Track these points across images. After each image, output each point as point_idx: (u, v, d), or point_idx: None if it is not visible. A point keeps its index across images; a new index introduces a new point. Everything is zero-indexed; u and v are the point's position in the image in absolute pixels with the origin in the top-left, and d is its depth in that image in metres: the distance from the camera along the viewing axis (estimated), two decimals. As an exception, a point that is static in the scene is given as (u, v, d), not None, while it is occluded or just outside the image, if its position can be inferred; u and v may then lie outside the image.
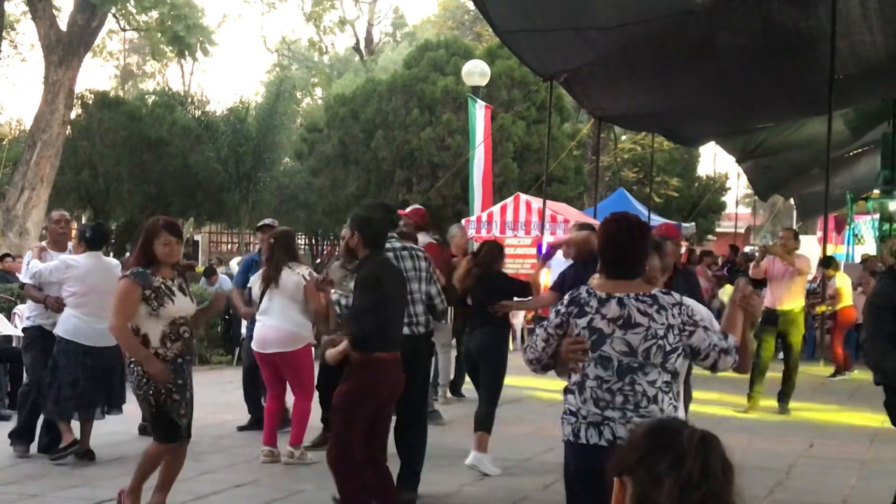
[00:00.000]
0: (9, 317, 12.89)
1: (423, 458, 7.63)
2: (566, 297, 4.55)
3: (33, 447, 8.93)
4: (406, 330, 7.10)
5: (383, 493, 6.40)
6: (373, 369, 6.24)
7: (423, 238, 10.60)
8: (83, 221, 31.51)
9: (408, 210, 11.01)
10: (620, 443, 2.18)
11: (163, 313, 6.59)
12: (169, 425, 6.61)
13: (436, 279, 7.63)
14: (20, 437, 9.04)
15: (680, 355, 4.34)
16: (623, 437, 4.33)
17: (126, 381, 8.50)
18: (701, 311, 4.54)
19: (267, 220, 10.83)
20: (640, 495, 2.08)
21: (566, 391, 4.50)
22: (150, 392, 6.54)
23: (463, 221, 20.85)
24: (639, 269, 4.48)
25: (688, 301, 4.43)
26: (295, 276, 8.77)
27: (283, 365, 8.87)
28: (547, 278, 16.56)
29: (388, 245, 6.97)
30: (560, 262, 16.53)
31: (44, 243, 9.86)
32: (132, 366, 6.60)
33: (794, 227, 30.51)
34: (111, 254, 19.46)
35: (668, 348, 4.30)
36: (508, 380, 11.25)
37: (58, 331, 8.77)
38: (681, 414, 4.44)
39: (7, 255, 18.25)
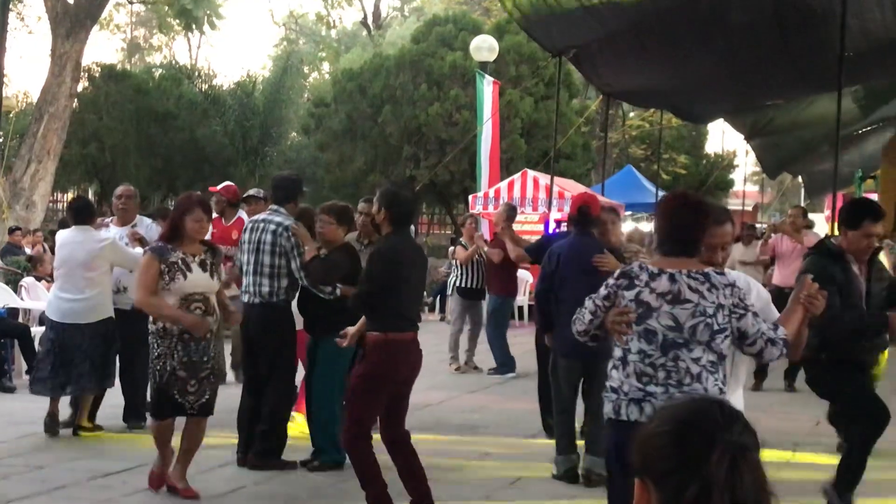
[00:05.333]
0: (15, 289, 12.90)
1: (270, 430, 7.71)
2: (618, 270, 4.60)
3: (32, 420, 8.87)
4: (244, 298, 7.70)
5: (409, 470, 6.34)
6: (390, 350, 6.17)
7: (243, 214, 10.91)
8: (90, 194, 31.56)
9: (219, 187, 11.33)
10: (645, 430, 1.95)
11: (173, 288, 6.65)
12: (163, 402, 6.72)
13: (294, 255, 7.65)
14: (129, 414, 9.06)
15: (727, 336, 4.31)
16: None
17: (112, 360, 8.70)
18: (761, 294, 4.51)
19: (252, 191, 10.82)
20: None
21: (611, 367, 4.52)
22: (158, 368, 6.69)
23: (470, 197, 20.83)
24: (695, 248, 4.44)
25: (742, 283, 4.41)
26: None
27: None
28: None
29: (257, 217, 7.90)
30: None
31: (108, 219, 9.86)
32: (150, 339, 6.75)
33: (802, 204, 30.42)
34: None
35: (715, 327, 4.29)
36: (518, 357, 11.24)
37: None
38: (734, 399, 4.37)
39: (16, 228, 18.26)
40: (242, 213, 11.08)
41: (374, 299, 6.19)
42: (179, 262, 6.71)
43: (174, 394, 6.68)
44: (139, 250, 8.62)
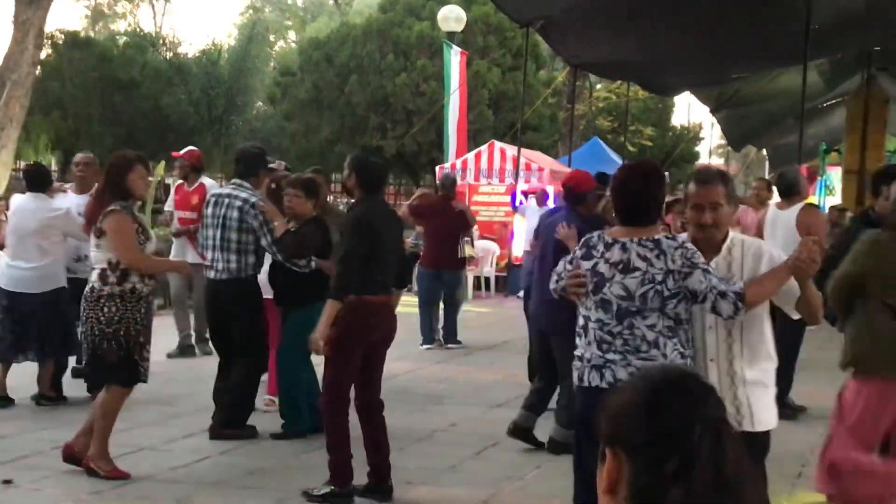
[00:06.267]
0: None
1: (236, 400, 7.72)
2: (582, 239, 4.70)
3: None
4: (210, 274, 7.76)
5: (375, 441, 6.33)
6: (362, 313, 6.15)
7: (205, 180, 10.88)
8: (53, 163, 31.27)
9: (182, 152, 11.23)
10: (617, 400, 1.90)
11: (147, 248, 6.59)
12: (133, 367, 6.55)
13: (264, 232, 7.60)
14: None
15: (682, 300, 4.33)
16: (623, 380, 4.37)
17: (75, 329, 8.24)
18: (773, 260, 4.40)
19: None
20: (639, 491, 1.83)
21: (577, 335, 4.63)
22: (122, 332, 6.48)
23: (437, 168, 20.80)
24: (650, 216, 4.50)
25: (690, 244, 4.40)
26: None
27: None
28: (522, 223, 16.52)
29: (218, 190, 7.85)
30: (534, 210, 16.54)
31: (68, 185, 9.74)
32: (101, 302, 6.49)
33: (767, 177, 30.61)
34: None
35: (665, 293, 4.33)
36: (484, 329, 11.30)
37: None
38: (761, 374, 4.41)
39: (-23, 195, 18.05)
40: (205, 179, 11.01)
41: (354, 264, 6.16)
42: (143, 222, 6.67)
43: (137, 360, 6.59)
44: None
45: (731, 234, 4.51)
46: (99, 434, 6.54)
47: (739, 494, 1.81)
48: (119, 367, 6.55)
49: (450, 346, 12.52)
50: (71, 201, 8.88)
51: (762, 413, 4.43)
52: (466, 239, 13.39)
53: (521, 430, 7.66)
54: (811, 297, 4.37)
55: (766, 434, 4.50)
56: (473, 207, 13.85)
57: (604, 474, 1.87)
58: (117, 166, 6.66)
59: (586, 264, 4.53)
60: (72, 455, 6.62)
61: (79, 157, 9.42)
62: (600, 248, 4.50)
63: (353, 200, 6.49)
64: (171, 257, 10.60)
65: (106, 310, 6.48)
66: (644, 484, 1.81)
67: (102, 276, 6.55)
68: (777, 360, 4.58)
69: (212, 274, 7.81)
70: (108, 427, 6.57)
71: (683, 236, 4.52)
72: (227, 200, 7.74)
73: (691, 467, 1.78)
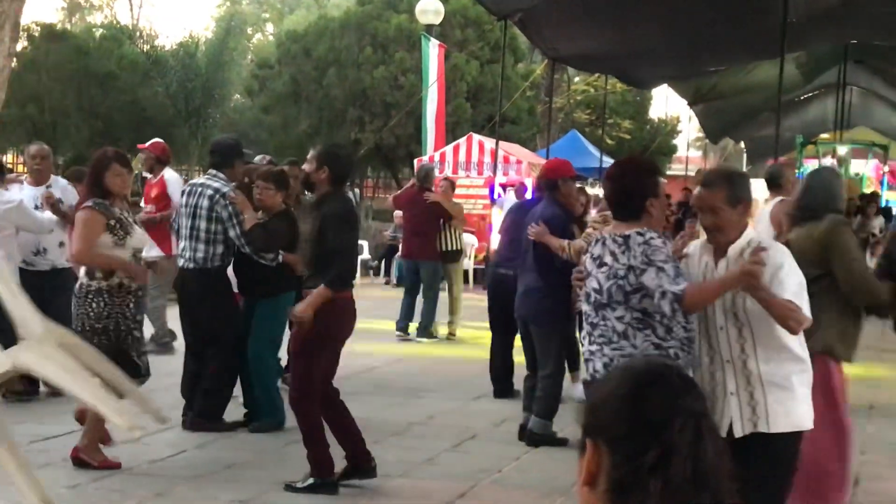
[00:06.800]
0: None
1: (212, 392, 7.72)
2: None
3: None
4: (180, 262, 7.74)
5: (342, 425, 6.36)
6: (339, 309, 6.21)
7: (167, 173, 10.74)
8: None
9: (147, 144, 11.18)
10: (599, 392, 1.91)
11: (128, 243, 6.60)
12: (129, 363, 6.50)
13: (233, 223, 7.60)
14: None
15: (645, 296, 4.34)
16: (600, 371, 4.40)
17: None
18: (794, 272, 4.29)
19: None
20: (618, 482, 1.82)
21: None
22: (111, 327, 6.52)
23: (416, 161, 20.79)
24: (626, 210, 4.50)
25: (658, 242, 4.38)
26: None
27: None
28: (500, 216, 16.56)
29: (194, 180, 7.84)
30: (512, 203, 16.52)
31: (23, 177, 9.63)
32: (89, 298, 6.53)
33: (744, 170, 30.72)
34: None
35: (627, 288, 4.37)
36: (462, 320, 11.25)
37: None
38: (784, 369, 4.30)
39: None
40: (168, 172, 10.87)
41: (331, 258, 6.18)
42: (124, 218, 6.65)
43: (133, 355, 6.59)
44: (48, 214, 8.49)
45: (751, 235, 4.40)
46: (91, 427, 6.60)
47: (717, 490, 1.81)
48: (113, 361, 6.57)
49: (419, 339, 12.38)
50: (27, 194, 8.81)
51: (780, 415, 4.27)
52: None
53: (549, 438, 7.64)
54: (773, 308, 4.17)
55: (787, 437, 4.31)
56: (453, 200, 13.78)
57: (583, 466, 1.87)
58: (96, 165, 6.75)
59: (585, 257, 4.73)
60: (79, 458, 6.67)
61: (34, 149, 9.29)
62: (596, 243, 4.63)
63: (322, 193, 6.45)
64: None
65: (94, 305, 6.53)
66: (622, 476, 1.81)
67: (89, 272, 6.62)
68: (809, 361, 4.41)
69: (181, 262, 7.86)
70: (100, 422, 6.56)
71: (779, 248, 4.39)
72: (199, 190, 7.77)
73: (670, 460, 1.78)
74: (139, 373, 6.65)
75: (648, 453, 1.78)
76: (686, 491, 1.77)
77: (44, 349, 3.99)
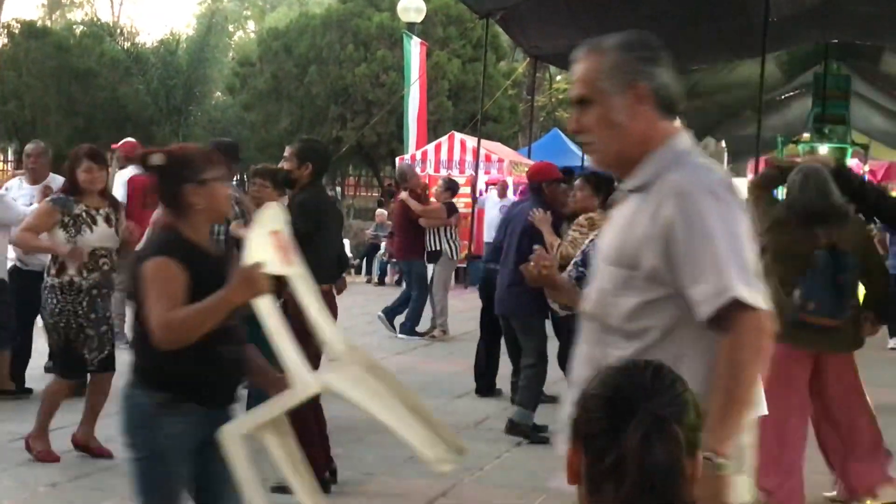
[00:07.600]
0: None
1: None
2: None
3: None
4: None
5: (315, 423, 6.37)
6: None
7: (133, 171, 10.43)
8: (9, 153, 30.94)
9: (119, 143, 11.32)
10: (583, 392, 1.90)
11: (80, 241, 6.59)
12: (72, 360, 6.61)
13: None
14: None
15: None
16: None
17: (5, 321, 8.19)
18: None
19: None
20: (589, 481, 1.83)
21: None
22: (62, 324, 6.56)
23: (397, 159, 20.77)
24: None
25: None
26: None
27: None
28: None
29: None
30: (494, 202, 16.54)
31: (21, 174, 9.57)
32: (46, 293, 6.61)
33: (725, 169, 30.88)
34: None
35: (580, 277, 4.48)
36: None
37: None
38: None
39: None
40: (136, 170, 10.76)
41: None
42: (84, 214, 6.64)
43: (84, 352, 6.60)
44: (32, 207, 8.44)
45: None
46: (41, 416, 6.68)
47: (668, 498, 1.78)
48: (59, 358, 6.76)
49: (400, 336, 12.41)
50: (25, 192, 8.78)
51: None
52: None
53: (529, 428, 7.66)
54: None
55: None
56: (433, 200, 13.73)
57: (568, 464, 1.88)
58: (70, 161, 6.82)
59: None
60: (78, 445, 6.80)
61: (30, 147, 9.25)
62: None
63: (301, 187, 6.46)
64: None
65: (49, 301, 6.60)
66: (592, 476, 1.82)
67: (48, 268, 6.74)
68: None
69: None
70: (47, 413, 6.68)
71: None
72: None
73: (623, 464, 1.77)
74: (83, 370, 6.71)
75: (608, 455, 1.78)
76: (634, 497, 1.76)
77: (353, 372, 3.95)
